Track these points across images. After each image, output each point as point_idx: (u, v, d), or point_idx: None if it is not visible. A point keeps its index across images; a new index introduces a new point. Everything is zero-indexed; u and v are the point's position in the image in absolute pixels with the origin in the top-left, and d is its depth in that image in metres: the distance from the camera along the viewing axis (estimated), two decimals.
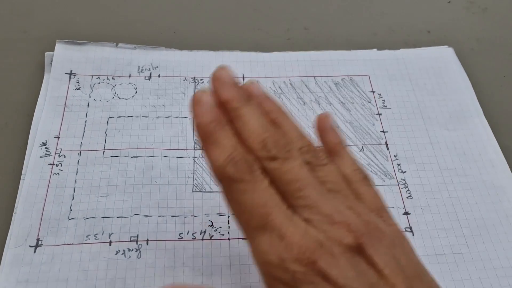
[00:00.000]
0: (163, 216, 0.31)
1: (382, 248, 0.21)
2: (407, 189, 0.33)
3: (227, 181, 0.22)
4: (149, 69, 0.38)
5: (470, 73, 0.40)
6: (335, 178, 0.24)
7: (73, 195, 0.32)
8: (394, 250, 0.21)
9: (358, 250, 0.20)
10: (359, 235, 0.20)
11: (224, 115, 0.23)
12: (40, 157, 0.33)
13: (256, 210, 0.21)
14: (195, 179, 0.33)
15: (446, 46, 0.41)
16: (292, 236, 0.20)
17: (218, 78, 0.24)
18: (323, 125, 0.27)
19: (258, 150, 0.22)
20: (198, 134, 0.23)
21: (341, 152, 0.26)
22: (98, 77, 0.37)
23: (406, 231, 0.31)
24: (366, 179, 0.25)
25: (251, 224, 0.21)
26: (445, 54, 0.41)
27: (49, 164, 0.33)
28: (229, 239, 0.30)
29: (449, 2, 0.45)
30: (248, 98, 0.24)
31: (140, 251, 0.30)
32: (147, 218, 0.31)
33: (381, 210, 0.24)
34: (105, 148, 0.34)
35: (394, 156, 0.35)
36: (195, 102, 0.23)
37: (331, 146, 0.26)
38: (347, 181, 0.24)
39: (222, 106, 0.23)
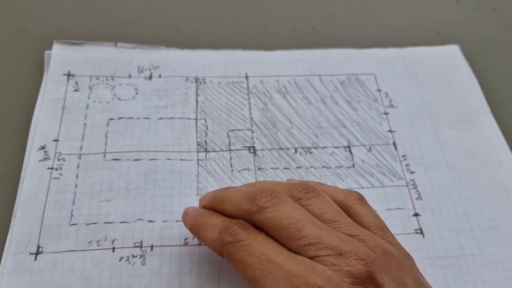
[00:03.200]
0: (167, 220, 0.30)
1: (391, 273, 0.21)
2: (416, 190, 0.33)
3: (226, 249, 0.22)
4: (150, 69, 0.37)
5: (479, 74, 0.39)
6: (330, 207, 0.24)
7: (74, 200, 0.31)
8: (401, 273, 0.21)
9: (369, 279, 0.20)
10: (368, 262, 0.20)
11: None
12: (39, 161, 0.32)
13: (256, 261, 0.21)
14: (199, 182, 0.32)
15: (452, 44, 0.41)
16: (298, 273, 0.20)
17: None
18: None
19: (248, 209, 0.23)
20: (193, 233, 0.26)
21: (321, 185, 0.27)
22: (97, 78, 0.36)
23: (416, 233, 0.31)
24: (361, 199, 0.26)
25: (256, 276, 0.21)
26: (451, 53, 0.40)
27: (48, 168, 0.32)
28: None
29: (457, 2, 0.44)
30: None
31: (144, 257, 0.29)
32: (151, 223, 0.30)
33: (384, 230, 0.24)
34: (106, 151, 0.33)
35: (403, 156, 0.34)
36: (183, 215, 0.27)
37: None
38: (344, 206, 0.25)
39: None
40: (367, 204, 0.26)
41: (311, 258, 0.21)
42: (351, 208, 0.25)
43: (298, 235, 0.21)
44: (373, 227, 0.24)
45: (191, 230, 0.26)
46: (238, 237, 0.22)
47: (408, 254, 0.24)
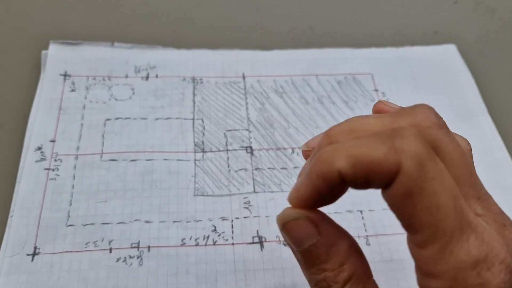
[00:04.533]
0: (164, 221, 0.30)
1: None
2: None
3: (413, 169, 0.16)
4: (147, 69, 0.37)
5: (477, 74, 0.39)
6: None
7: (70, 200, 0.31)
8: None
9: None
10: None
11: None
12: (36, 161, 0.32)
13: (448, 192, 0.15)
14: (197, 182, 0.32)
15: (449, 44, 0.41)
16: (489, 236, 0.15)
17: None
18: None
19: (419, 123, 0.17)
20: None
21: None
22: (94, 78, 0.36)
23: None
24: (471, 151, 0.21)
25: (443, 226, 0.15)
26: (448, 52, 0.40)
27: (45, 169, 0.32)
28: (233, 244, 0.30)
29: (455, 2, 0.44)
30: None
31: (141, 258, 0.29)
32: (148, 223, 0.30)
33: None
34: (103, 152, 0.33)
35: None
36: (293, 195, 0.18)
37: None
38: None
39: None
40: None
41: (477, 214, 0.17)
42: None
43: (470, 181, 0.17)
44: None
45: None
46: (424, 156, 0.15)
47: None
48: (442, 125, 0.17)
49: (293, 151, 0.34)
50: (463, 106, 0.37)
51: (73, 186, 0.31)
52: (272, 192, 0.32)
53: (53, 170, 0.32)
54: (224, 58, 0.38)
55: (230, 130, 0.35)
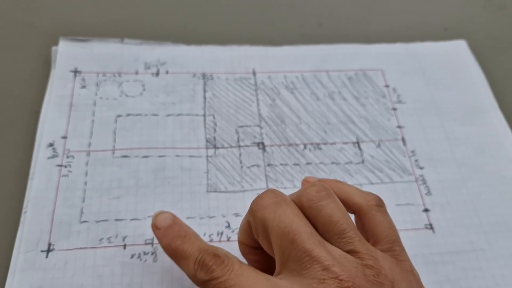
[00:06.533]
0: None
1: None
2: (425, 185, 0.33)
3: (205, 286, 0.22)
4: (157, 65, 0.37)
5: (487, 71, 0.39)
6: (341, 216, 0.22)
7: (83, 197, 0.30)
8: None
9: None
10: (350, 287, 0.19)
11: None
12: (48, 158, 0.32)
13: None
14: (209, 178, 0.32)
15: (459, 39, 0.41)
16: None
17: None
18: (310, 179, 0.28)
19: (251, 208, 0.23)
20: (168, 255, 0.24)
21: (340, 183, 0.26)
22: (104, 75, 0.36)
23: (426, 228, 0.31)
24: (380, 205, 0.24)
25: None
26: (459, 48, 0.40)
27: (57, 165, 0.31)
28: None
29: None
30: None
31: (156, 254, 0.29)
32: None
33: (394, 243, 0.23)
34: (115, 148, 0.33)
35: (412, 152, 0.34)
36: (154, 228, 0.25)
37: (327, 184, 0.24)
38: (360, 210, 0.24)
39: None
40: (385, 211, 0.24)
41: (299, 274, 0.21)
42: (367, 213, 0.24)
43: (335, 230, 0.22)
44: (383, 238, 0.23)
45: (165, 252, 0.25)
46: (213, 275, 0.21)
47: (412, 271, 0.22)
48: (262, 207, 0.22)
49: (305, 147, 0.34)
50: (474, 102, 0.37)
51: (85, 183, 0.31)
52: (285, 188, 0.32)
53: (65, 166, 0.32)
54: (234, 54, 0.38)
55: (241, 126, 0.35)
